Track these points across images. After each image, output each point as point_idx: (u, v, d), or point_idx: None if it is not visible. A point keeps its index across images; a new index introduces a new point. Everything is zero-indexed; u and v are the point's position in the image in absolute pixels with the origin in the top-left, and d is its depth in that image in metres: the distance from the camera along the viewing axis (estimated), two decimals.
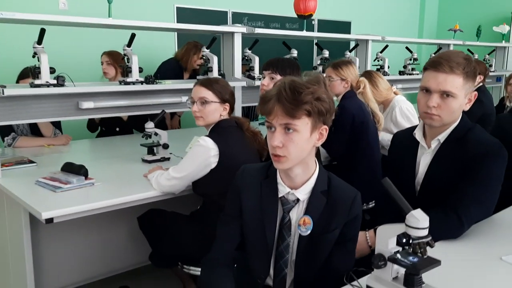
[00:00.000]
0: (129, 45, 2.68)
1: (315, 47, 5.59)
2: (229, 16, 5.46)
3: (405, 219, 1.14)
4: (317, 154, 1.46)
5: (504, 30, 6.01)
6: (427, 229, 1.11)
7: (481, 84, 3.89)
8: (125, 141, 3.21)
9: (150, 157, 2.57)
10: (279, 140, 1.29)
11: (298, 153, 1.32)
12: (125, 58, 2.71)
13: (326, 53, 3.80)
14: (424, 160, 1.70)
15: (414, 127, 1.78)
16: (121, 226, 2.55)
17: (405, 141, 1.78)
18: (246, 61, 3.38)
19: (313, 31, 6.14)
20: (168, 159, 2.59)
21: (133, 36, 2.65)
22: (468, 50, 5.49)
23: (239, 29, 3.06)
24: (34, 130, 3.07)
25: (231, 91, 2.18)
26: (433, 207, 1.48)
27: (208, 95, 2.08)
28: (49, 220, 1.81)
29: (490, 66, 5.59)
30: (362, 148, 2.71)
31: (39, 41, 2.32)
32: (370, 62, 4.33)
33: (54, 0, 4.19)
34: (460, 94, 1.57)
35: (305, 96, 1.26)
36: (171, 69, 3.93)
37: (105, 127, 3.52)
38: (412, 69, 4.64)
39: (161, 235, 2.21)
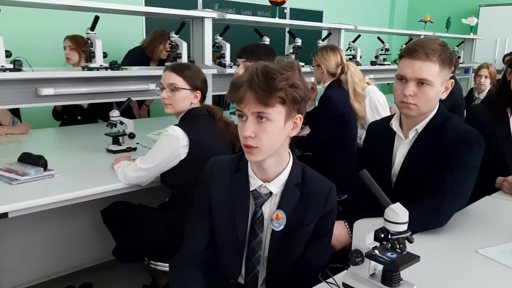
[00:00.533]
0: (92, 28, 2.53)
1: (287, 36, 5.53)
2: (200, 2, 5.31)
3: (383, 213, 1.08)
4: (291, 145, 1.38)
5: (472, 23, 6.10)
6: (407, 224, 1.06)
7: (451, 75, 3.91)
8: (88, 131, 3.06)
9: (115, 147, 2.44)
10: (251, 129, 1.21)
11: (272, 144, 1.23)
12: (89, 42, 2.56)
13: (298, 42, 3.73)
14: (401, 151, 1.65)
15: (390, 117, 1.73)
16: (83, 220, 2.43)
17: (381, 131, 1.73)
18: (216, 48, 3.28)
19: (285, 19, 6.07)
20: (135, 149, 2.48)
21: (96, 18, 2.50)
22: None
23: (210, 14, 2.94)
24: None
25: (203, 78, 2.07)
26: (410, 199, 1.44)
27: (178, 81, 1.97)
28: (3, 215, 1.68)
29: (459, 57, 5.66)
30: (340, 140, 2.67)
31: None
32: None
33: None
34: (437, 81, 1.53)
35: (279, 83, 1.18)
36: (136, 57, 3.78)
37: (68, 116, 3.35)
38: (384, 60, 4.64)
39: (126, 229, 2.10)
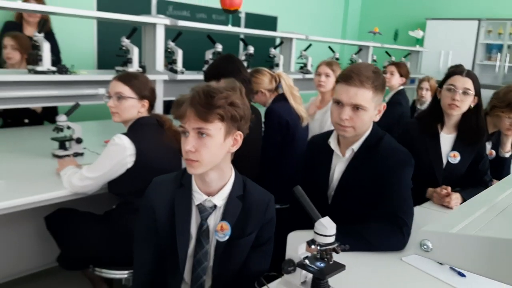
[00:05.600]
0: (39, 31, 2.50)
1: (241, 42, 5.61)
2: (153, 4, 5.29)
3: (314, 226, 1.17)
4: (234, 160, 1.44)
5: (418, 35, 6.42)
6: (334, 236, 1.15)
7: (401, 87, 4.14)
8: (33, 134, 2.99)
9: (62, 152, 2.42)
10: (192, 144, 1.27)
11: (211, 158, 1.30)
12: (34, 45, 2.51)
13: (251, 49, 3.81)
14: (338, 168, 1.75)
15: (329, 133, 1.83)
16: (26, 227, 2.38)
17: (321, 147, 1.83)
18: (169, 54, 3.30)
19: (239, 24, 6.15)
20: (82, 154, 2.46)
21: (43, 22, 2.47)
22: (386, 52, 5.79)
23: (162, 21, 2.96)
24: None
25: (151, 87, 2.10)
26: (346, 215, 1.54)
27: (125, 90, 1.99)
28: None
29: (407, 69, 5.94)
30: (288, 147, 2.76)
31: None
32: (294, 60, 4.41)
33: None
34: (370, 106, 1.64)
35: (218, 100, 1.25)
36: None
37: (11, 118, 3.25)
38: None
39: (71, 236, 2.09)
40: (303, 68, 4.49)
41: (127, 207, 2.01)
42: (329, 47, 5.01)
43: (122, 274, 2.01)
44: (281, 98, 2.84)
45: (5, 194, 1.86)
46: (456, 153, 2.17)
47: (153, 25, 2.95)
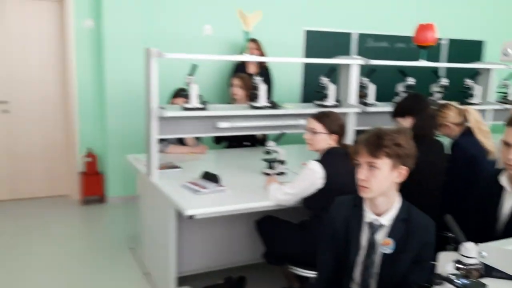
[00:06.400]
0: (257, 74, 3.21)
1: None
2: (354, 38, 5.77)
3: (460, 249, 1.41)
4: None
5: None
6: (476, 258, 1.38)
7: None
8: (250, 154, 3.75)
9: (269, 171, 3.06)
10: (364, 174, 1.66)
11: (379, 186, 1.67)
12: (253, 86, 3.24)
13: (444, 81, 3.90)
14: (507, 204, 1.89)
15: (501, 170, 1.96)
16: (241, 226, 3.07)
17: (492, 183, 1.97)
18: (362, 88, 3.66)
19: (438, 51, 6.14)
20: (284, 173, 3.06)
21: (263, 67, 3.15)
22: None
23: (356, 61, 3.40)
24: (180, 139, 3.77)
25: (341, 124, 2.54)
26: None
27: (318, 127, 2.49)
28: (191, 216, 2.39)
29: None
30: (469, 182, 2.81)
31: (191, 74, 2.94)
32: (493, 89, 4.26)
33: (198, 26, 4.97)
34: None
35: (386, 141, 1.62)
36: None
37: (235, 141, 4.05)
38: None
39: (274, 238, 2.67)
40: (505, 98, 4.28)
41: (318, 219, 2.48)
42: None
43: (311, 274, 2.48)
44: (468, 132, 2.94)
45: (229, 200, 2.56)
46: None
47: (348, 65, 3.41)
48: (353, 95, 3.48)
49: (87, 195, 4.73)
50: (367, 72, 3.68)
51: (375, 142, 1.63)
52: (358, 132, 3.54)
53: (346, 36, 5.75)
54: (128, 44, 4.53)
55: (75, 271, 3.32)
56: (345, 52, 5.68)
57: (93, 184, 4.74)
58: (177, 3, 4.84)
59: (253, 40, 4.54)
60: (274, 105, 3.23)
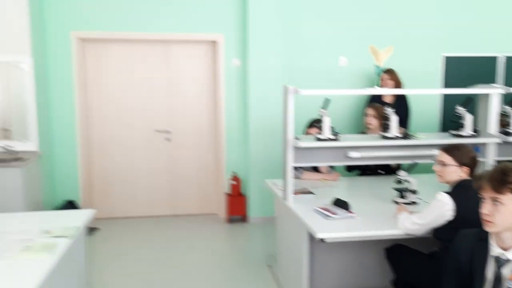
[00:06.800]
0: (394, 103, 3.32)
1: None
2: (501, 60, 5.44)
3: None
4: None
5: None
6: None
7: None
8: (380, 183, 3.83)
9: (400, 200, 3.13)
10: (488, 209, 1.72)
11: (503, 221, 1.70)
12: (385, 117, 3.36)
13: None
14: None
15: None
16: (370, 252, 3.18)
17: None
18: (504, 116, 3.50)
19: None
20: (416, 203, 3.10)
21: (400, 95, 3.23)
22: None
23: (496, 91, 3.29)
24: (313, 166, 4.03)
25: (472, 156, 2.54)
26: None
27: (447, 159, 2.53)
28: (322, 239, 2.61)
29: None
30: None
31: (324, 107, 3.21)
32: None
33: (334, 57, 5.24)
34: None
35: (511, 178, 1.65)
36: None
37: (369, 170, 4.18)
38: None
39: (404, 267, 2.73)
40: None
41: (447, 250, 2.49)
42: None
43: None
44: None
45: (358, 226, 2.71)
46: None
47: (487, 95, 3.32)
48: (493, 124, 3.36)
49: (232, 215, 5.26)
50: (511, 100, 3.52)
51: (500, 178, 1.68)
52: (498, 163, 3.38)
53: (491, 60, 5.45)
54: (269, 79, 5.01)
55: (217, 281, 3.77)
56: (491, 77, 5.40)
57: (237, 204, 5.26)
58: (314, 38, 5.19)
59: (388, 71, 4.64)
60: (405, 136, 3.30)
